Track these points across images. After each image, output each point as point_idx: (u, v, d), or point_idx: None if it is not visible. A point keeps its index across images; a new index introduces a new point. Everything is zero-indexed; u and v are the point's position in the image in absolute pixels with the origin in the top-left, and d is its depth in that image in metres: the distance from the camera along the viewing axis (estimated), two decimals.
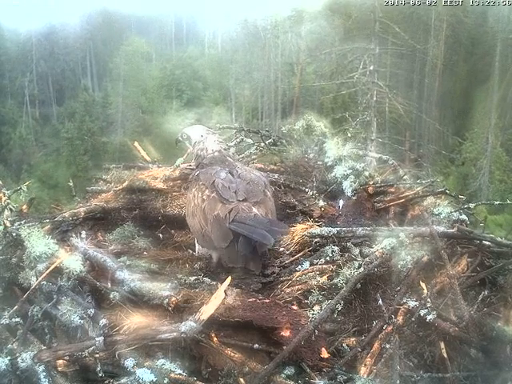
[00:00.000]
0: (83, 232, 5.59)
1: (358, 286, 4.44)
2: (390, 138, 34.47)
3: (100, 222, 6.10)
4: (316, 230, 5.34)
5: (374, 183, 6.29)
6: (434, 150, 38.17)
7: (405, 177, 6.78)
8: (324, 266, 4.83)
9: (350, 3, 35.35)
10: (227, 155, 5.79)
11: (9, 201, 5.87)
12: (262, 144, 7.99)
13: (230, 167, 5.53)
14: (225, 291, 4.04)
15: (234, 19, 54.82)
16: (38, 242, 4.68)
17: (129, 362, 3.79)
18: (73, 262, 4.54)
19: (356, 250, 4.97)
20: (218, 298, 3.96)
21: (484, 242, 5.10)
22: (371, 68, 32.79)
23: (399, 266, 4.65)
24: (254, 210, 4.95)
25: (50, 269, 4.49)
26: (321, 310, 4.23)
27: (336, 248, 5.01)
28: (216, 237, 4.87)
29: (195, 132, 6.01)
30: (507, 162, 38.46)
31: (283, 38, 48.59)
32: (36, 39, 57.56)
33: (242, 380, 3.79)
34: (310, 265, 4.91)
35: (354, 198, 6.03)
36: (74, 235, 5.46)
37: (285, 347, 3.87)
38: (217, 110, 51.15)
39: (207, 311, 3.86)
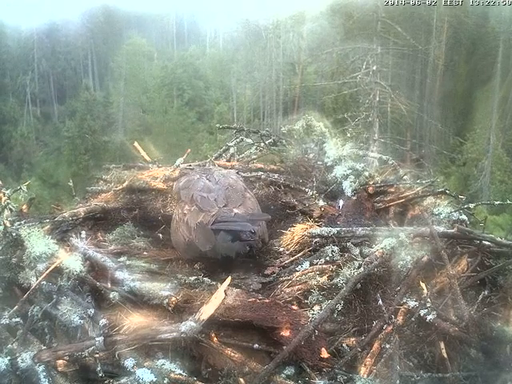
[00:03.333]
0: (83, 232, 5.61)
1: (358, 286, 4.45)
2: (392, 138, 34.46)
3: (100, 221, 6.10)
4: (316, 230, 5.34)
5: (373, 183, 6.29)
6: (436, 151, 38.17)
7: (405, 177, 6.78)
8: (324, 266, 4.83)
9: (351, 3, 35.31)
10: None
11: (9, 201, 5.88)
12: (262, 144, 8.01)
13: (207, 173, 5.72)
14: (225, 291, 4.05)
15: (235, 18, 54.86)
16: (37, 241, 4.68)
17: (129, 362, 3.80)
18: (73, 262, 4.55)
19: (356, 250, 4.97)
20: (218, 298, 3.97)
21: (484, 242, 5.10)
22: (374, 68, 32.77)
23: (399, 266, 4.65)
24: (235, 210, 5.09)
25: (50, 269, 4.50)
26: (321, 310, 4.23)
27: (336, 248, 5.00)
28: (200, 241, 5.00)
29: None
30: (508, 162, 38.46)
31: (285, 37, 48.59)
32: (37, 38, 57.59)
33: (241, 380, 3.79)
34: (310, 265, 4.91)
35: (354, 198, 6.02)
36: (73, 235, 5.47)
37: (285, 347, 3.87)
38: (218, 110, 51.29)
39: (207, 311, 3.86)
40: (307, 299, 4.47)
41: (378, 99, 33.02)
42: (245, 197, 5.44)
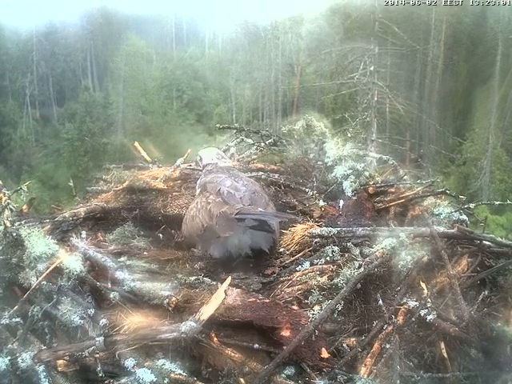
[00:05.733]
0: (83, 232, 5.61)
1: (359, 286, 4.44)
2: (391, 138, 34.49)
3: (100, 221, 6.10)
4: (316, 230, 5.34)
5: (374, 183, 6.30)
6: (435, 150, 38.17)
7: (405, 177, 6.78)
8: (324, 266, 4.83)
9: (349, 4, 35.34)
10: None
11: (9, 201, 5.87)
12: (262, 144, 8.02)
13: (236, 176, 5.66)
14: (225, 291, 4.05)
15: (234, 19, 54.89)
16: (38, 241, 4.67)
17: (129, 362, 3.79)
18: (73, 262, 4.54)
19: (356, 250, 4.96)
20: (218, 298, 3.96)
21: (484, 242, 5.11)
22: (371, 68, 32.79)
23: (399, 266, 4.65)
24: (260, 208, 5.05)
25: (50, 269, 4.49)
26: (321, 310, 4.22)
27: (336, 248, 5.00)
28: (220, 227, 4.93)
29: (208, 155, 6.19)
30: (507, 161, 38.50)
31: (283, 38, 48.64)
32: (36, 39, 57.54)
33: (242, 380, 3.79)
34: (310, 265, 4.91)
35: (354, 198, 6.02)
36: (74, 235, 5.47)
37: (285, 347, 3.87)
38: (217, 111, 51.31)
39: (207, 311, 3.86)
40: (307, 299, 4.46)
41: (375, 99, 33.03)
42: (268, 205, 5.44)
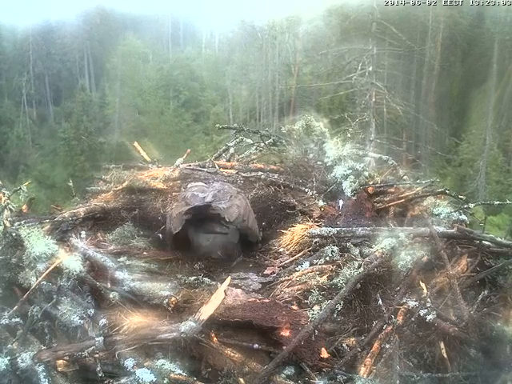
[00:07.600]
0: (83, 232, 5.62)
1: (358, 286, 4.46)
2: (388, 138, 34.41)
3: (100, 222, 6.11)
4: (316, 230, 5.36)
5: (373, 183, 6.29)
6: (431, 151, 38.14)
7: (404, 177, 6.78)
8: (324, 266, 4.84)
9: (347, 4, 35.25)
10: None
11: (9, 201, 5.86)
12: (262, 144, 8.01)
13: (208, 181, 6.18)
14: (225, 291, 4.05)
15: (230, 19, 54.79)
16: (37, 242, 4.67)
17: (129, 362, 3.79)
18: (73, 262, 4.55)
19: (356, 250, 4.98)
20: (218, 298, 3.97)
21: (484, 241, 5.11)
22: (370, 69, 32.73)
23: (399, 266, 4.66)
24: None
25: (50, 269, 4.49)
26: (321, 310, 4.23)
27: (336, 248, 5.02)
28: (173, 225, 5.35)
29: None
30: (504, 163, 38.53)
31: (280, 38, 48.57)
32: (33, 39, 57.37)
33: (241, 380, 3.79)
34: (310, 265, 4.93)
35: (354, 198, 6.02)
36: (73, 235, 5.47)
37: (285, 347, 3.87)
38: (214, 111, 51.21)
39: (207, 311, 3.86)
40: (307, 299, 4.48)
41: (373, 100, 32.96)
42: (235, 197, 5.61)
